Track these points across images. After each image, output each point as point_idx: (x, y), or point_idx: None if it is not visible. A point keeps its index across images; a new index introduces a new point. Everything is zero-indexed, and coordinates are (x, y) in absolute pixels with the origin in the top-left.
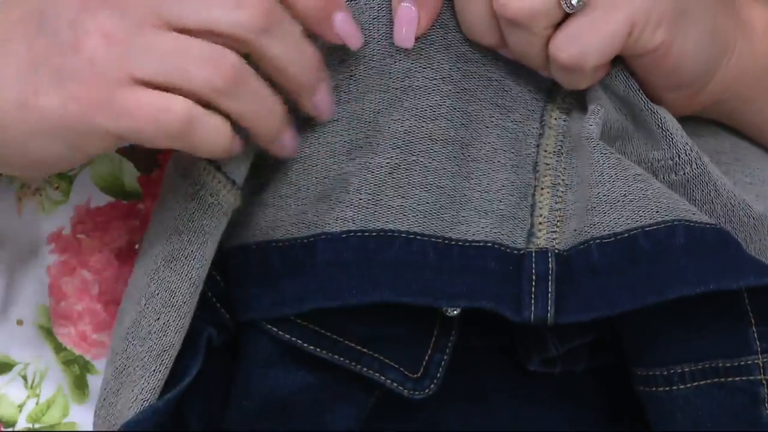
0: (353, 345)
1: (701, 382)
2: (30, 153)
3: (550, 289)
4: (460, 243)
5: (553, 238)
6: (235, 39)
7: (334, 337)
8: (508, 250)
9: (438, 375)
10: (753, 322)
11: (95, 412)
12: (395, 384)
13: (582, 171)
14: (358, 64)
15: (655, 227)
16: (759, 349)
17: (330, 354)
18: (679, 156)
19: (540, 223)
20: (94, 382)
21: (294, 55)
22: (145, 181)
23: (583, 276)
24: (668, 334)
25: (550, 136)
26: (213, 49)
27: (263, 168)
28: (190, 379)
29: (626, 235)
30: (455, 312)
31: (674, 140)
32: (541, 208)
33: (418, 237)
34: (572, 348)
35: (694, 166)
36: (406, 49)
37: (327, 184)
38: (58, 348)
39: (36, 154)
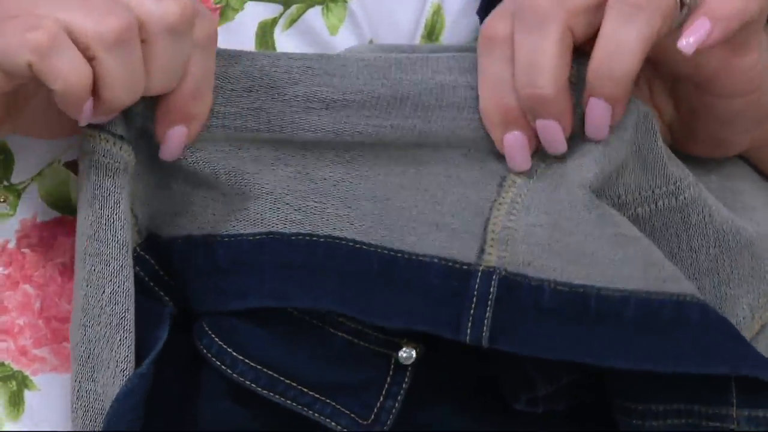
0: (306, 391)
1: (674, 421)
2: None
3: (487, 316)
4: (405, 256)
5: (503, 257)
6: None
7: (288, 381)
8: (456, 266)
9: (388, 421)
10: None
11: (72, 409)
12: (345, 430)
13: (555, 207)
14: (275, 100)
15: (610, 293)
16: (735, 402)
17: (282, 399)
18: (681, 180)
19: (492, 239)
20: (31, 398)
21: (161, 74)
22: None
23: (529, 312)
24: (649, 373)
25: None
26: (116, 3)
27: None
28: (162, 343)
29: (581, 290)
30: (410, 361)
31: (677, 166)
32: (494, 224)
33: (365, 247)
34: (558, 387)
35: (692, 190)
36: (346, 99)
37: (262, 181)
38: None
39: None
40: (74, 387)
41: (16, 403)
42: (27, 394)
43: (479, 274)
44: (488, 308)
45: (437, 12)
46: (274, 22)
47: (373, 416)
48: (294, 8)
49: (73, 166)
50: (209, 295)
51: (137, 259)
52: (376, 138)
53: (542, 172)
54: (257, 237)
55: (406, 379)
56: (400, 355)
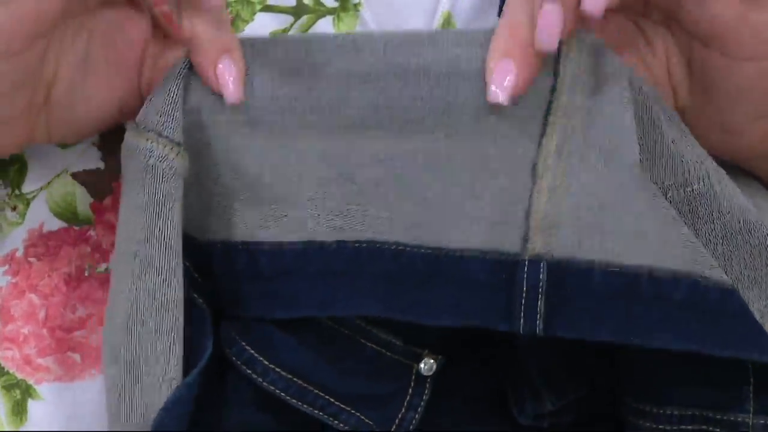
0: (333, 401)
1: (687, 427)
2: None
3: (539, 304)
4: (450, 253)
5: (549, 243)
6: None
7: (316, 392)
8: (502, 257)
9: (410, 430)
10: (752, 382)
11: (112, 413)
12: None
13: (602, 187)
14: (321, 79)
15: (662, 274)
16: (752, 409)
17: (311, 408)
18: (689, 172)
19: (536, 227)
20: (34, 407)
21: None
22: (98, 207)
23: (579, 294)
24: (666, 375)
25: (554, 135)
26: None
27: (239, 168)
28: (209, 353)
29: (632, 270)
30: (431, 372)
31: (684, 157)
32: (536, 212)
33: (408, 248)
34: (565, 402)
35: (701, 183)
36: (378, 71)
37: (304, 186)
38: (0, 372)
39: None
40: (116, 390)
41: (18, 412)
42: (30, 403)
43: (526, 263)
44: (540, 297)
45: (447, 20)
46: (284, 32)
47: (394, 427)
48: (305, 18)
49: (80, 176)
50: (254, 302)
51: None
52: (412, 112)
53: (571, 151)
54: (299, 245)
55: (426, 391)
56: (421, 366)
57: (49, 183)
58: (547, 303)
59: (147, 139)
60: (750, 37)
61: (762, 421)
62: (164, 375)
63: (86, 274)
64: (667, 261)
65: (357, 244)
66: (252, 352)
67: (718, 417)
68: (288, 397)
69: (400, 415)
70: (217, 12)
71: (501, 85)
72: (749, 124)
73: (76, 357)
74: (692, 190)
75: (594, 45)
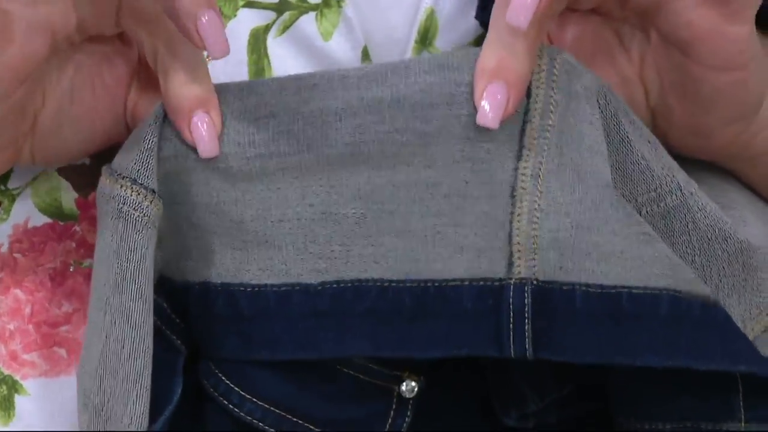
0: (313, 428)
1: None
2: None
3: (527, 328)
4: (435, 284)
5: (532, 266)
6: None
7: (295, 419)
8: (487, 283)
9: None
10: (741, 390)
11: None
12: None
13: (575, 208)
14: (297, 120)
15: (642, 291)
16: (743, 418)
17: None
18: (661, 187)
19: (519, 251)
20: (21, 403)
21: None
22: (83, 203)
23: (564, 317)
24: (656, 390)
25: (529, 157)
26: None
27: (220, 210)
28: (177, 399)
29: (612, 290)
30: (413, 394)
31: (655, 172)
32: (518, 236)
33: (393, 284)
34: (549, 401)
35: (674, 196)
36: (353, 107)
37: (285, 229)
38: None
39: None
40: None
41: (6, 407)
42: (17, 398)
43: (511, 287)
44: (527, 320)
45: (430, 16)
46: (266, 28)
47: None
48: (287, 15)
49: (65, 172)
50: (232, 343)
51: None
52: (389, 146)
53: (547, 172)
54: (282, 288)
55: (409, 413)
56: (402, 388)
57: (34, 179)
58: (534, 326)
59: (121, 186)
60: (724, 48)
61: (753, 428)
62: (130, 423)
63: (71, 270)
64: (646, 279)
65: (342, 284)
66: (228, 383)
67: (711, 428)
68: (266, 427)
69: None
70: (195, 61)
71: (494, 108)
72: (720, 129)
73: (62, 352)
74: (666, 204)
75: (564, 62)
